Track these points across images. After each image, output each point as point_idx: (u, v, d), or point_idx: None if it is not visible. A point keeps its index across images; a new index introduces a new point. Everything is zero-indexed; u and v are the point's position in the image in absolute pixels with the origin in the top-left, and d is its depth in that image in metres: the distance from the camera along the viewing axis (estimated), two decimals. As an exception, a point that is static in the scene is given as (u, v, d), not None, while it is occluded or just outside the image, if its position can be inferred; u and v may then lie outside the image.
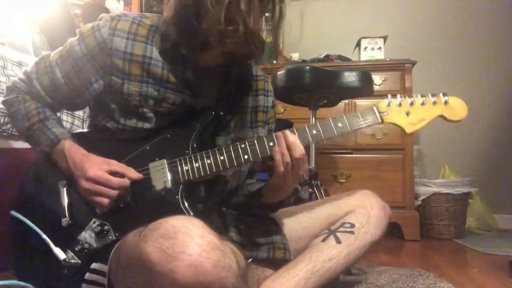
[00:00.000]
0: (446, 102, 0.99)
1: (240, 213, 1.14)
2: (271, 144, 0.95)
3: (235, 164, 0.95)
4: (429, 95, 1.00)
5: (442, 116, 1.00)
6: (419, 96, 1.00)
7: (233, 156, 0.94)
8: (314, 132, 0.97)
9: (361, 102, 2.55)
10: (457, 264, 1.85)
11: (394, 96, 1.01)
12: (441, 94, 1.00)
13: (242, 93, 1.09)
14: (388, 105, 1.00)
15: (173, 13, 0.92)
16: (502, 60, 3.02)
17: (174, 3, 0.92)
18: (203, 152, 0.95)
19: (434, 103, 0.99)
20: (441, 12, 3.11)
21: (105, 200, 0.89)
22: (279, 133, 0.94)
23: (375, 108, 1.00)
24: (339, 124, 0.98)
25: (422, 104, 0.99)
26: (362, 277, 1.45)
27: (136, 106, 0.96)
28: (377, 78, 2.54)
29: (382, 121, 0.99)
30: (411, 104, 0.99)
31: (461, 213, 2.50)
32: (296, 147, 0.92)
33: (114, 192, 0.90)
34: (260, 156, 0.95)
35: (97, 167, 0.90)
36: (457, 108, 1.00)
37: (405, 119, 0.99)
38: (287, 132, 0.94)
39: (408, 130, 1.00)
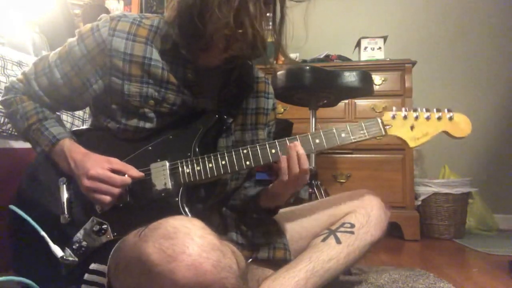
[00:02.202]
0: (450, 118, 1.00)
1: (237, 215, 1.14)
2: (273, 151, 0.95)
3: (237, 169, 0.95)
4: (434, 110, 1.00)
5: (446, 132, 1.01)
6: (424, 110, 1.00)
7: (234, 161, 0.95)
8: (317, 141, 0.97)
9: (361, 102, 2.55)
10: (457, 264, 1.85)
11: (398, 108, 1.01)
12: (446, 110, 1.00)
13: (243, 95, 1.09)
14: (393, 117, 1.00)
15: (175, 14, 0.92)
16: (502, 60, 3.01)
17: (176, 4, 0.91)
18: (205, 156, 0.95)
19: (439, 118, 1.00)
20: (441, 12, 3.11)
21: (107, 198, 0.89)
22: (290, 144, 0.94)
23: (379, 120, 1.00)
24: (342, 135, 0.98)
25: (427, 119, 0.99)
26: (362, 277, 1.45)
27: (136, 106, 0.96)
28: (377, 78, 2.53)
29: (386, 134, 0.99)
30: (416, 118, 0.99)
31: (461, 213, 2.50)
32: (304, 159, 0.93)
33: (116, 190, 0.90)
34: (262, 163, 0.95)
35: (99, 165, 0.90)
36: (461, 125, 1.01)
37: (409, 133, 0.99)
38: (298, 144, 0.94)
39: (412, 144, 0.99)
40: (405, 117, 1.00)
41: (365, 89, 1.86)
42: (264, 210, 1.10)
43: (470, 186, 2.52)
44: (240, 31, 0.86)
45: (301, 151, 0.93)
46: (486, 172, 2.95)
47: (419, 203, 2.53)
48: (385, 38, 2.71)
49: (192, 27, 0.89)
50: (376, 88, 2.42)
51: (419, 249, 2.25)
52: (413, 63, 2.55)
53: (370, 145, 2.51)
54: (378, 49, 2.69)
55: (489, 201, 2.74)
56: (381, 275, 1.47)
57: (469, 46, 3.06)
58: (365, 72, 1.88)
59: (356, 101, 2.55)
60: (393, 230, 2.42)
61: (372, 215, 1.06)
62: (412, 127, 0.99)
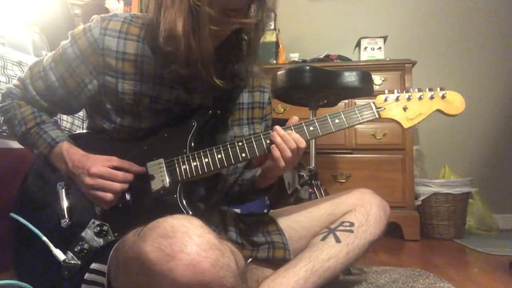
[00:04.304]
0: (443, 97, 0.99)
1: (234, 202, 1.15)
2: (268, 141, 0.96)
3: (233, 162, 0.95)
4: (427, 89, 1.00)
5: (439, 111, 1.00)
6: (416, 90, 1.00)
7: (230, 154, 0.95)
8: (311, 128, 0.97)
9: (361, 102, 2.53)
10: (457, 264, 1.85)
11: (391, 91, 1.01)
12: (438, 89, 1.00)
13: (238, 89, 1.09)
14: (385, 100, 1.00)
15: (152, 16, 0.92)
16: (502, 60, 3.02)
17: (152, 8, 0.91)
18: (201, 150, 0.95)
19: (432, 97, 0.99)
20: (441, 12, 3.11)
21: (109, 195, 0.89)
22: (272, 133, 0.95)
23: (372, 104, 1.00)
24: (336, 121, 0.98)
25: (420, 98, 1.00)
26: (362, 277, 1.44)
27: (131, 105, 0.96)
28: (377, 78, 2.54)
29: (379, 117, 1.00)
30: (408, 99, 1.00)
31: (461, 213, 2.50)
32: (289, 139, 0.94)
33: (118, 185, 0.90)
34: (257, 154, 0.96)
35: (99, 163, 0.91)
36: (454, 102, 1.00)
37: (402, 114, 1.00)
38: (276, 127, 0.96)
39: (406, 125, 1.00)
40: (397, 99, 1.00)
41: (365, 89, 1.86)
42: (262, 190, 1.11)
43: (470, 186, 2.52)
44: (169, 48, 0.87)
45: (282, 132, 0.94)
46: (486, 172, 2.95)
47: (419, 203, 2.52)
48: (385, 38, 2.72)
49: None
50: (376, 88, 2.43)
51: (419, 249, 2.25)
52: (413, 63, 2.55)
53: (370, 145, 2.51)
54: (378, 49, 2.69)
55: (489, 201, 2.74)
56: (381, 275, 1.47)
57: (469, 46, 3.06)
58: (365, 72, 1.88)
59: (356, 101, 2.55)
60: (393, 230, 2.41)
61: (371, 214, 1.06)
62: (405, 108, 1.00)
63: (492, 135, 2.99)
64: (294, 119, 1.00)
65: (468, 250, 2.17)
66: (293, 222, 1.15)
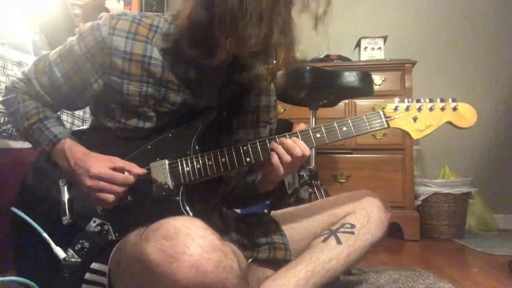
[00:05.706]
0: (455, 108, 0.97)
1: (234, 206, 1.15)
2: None
3: (237, 166, 0.95)
4: (438, 100, 0.97)
5: (450, 123, 0.97)
6: (427, 101, 0.97)
7: (234, 158, 0.94)
8: (318, 135, 0.96)
9: (361, 102, 2.55)
10: (457, 264, 1.85)
11: (401, 100, 0.98)
12: (450, 100, 0.97)
13: (244, 93, 1.09)
14: (395, 109, 0.97)
15: (187, 23, 0.88)
16: (502, 60, 3.01)
17: (188, 13, 0.87)
18: (205, 153, 0.95)
19: (443, 109, 0.96)
20: (441, 12, 3.11)
21: (110, 197, 0.88)
22: (273, 142, 0.95)
23: (381, 112, 0.97)
24: (344, 128, 0.96)
25: (430, 109, 0.96)
26: (362, 277, 1.45)
27: (136, 106, 0.95)
28: (377, 78, 2.54)
29: (388, 126, 0.97)
30: (419, 109, 0.96)
31: (461, 213, 2.50)
32: (293, 147, 0.93)
33: (119, 188, 0.89)
34: (262, 159, 0.95)
35: (100, 164, 0.90)
36: (466, 115, 0.97)
37: (412, 125, 0.97)
38: (281, 139, 0.95)
39: (415, 136, 0.97)
40: (407, 108, 0.97)
41: (365, 89, 1.86)
42: (262, 195, 1.11)
43: (470, 186, 2.52)
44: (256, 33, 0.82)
45: (286, 141, 0.93)
46: (486, 172, 2.95)
47: (419, 203, 2.53)
48: (385, 38, 2.72)
49: (201, 37, 0.87)
50: (376, 88, 2.42)
51: (419, 249, 2.25)
52: (413, 63, 2.55)
53: (370, 145, 2.51)
54: (378, 49, 2.69)
55: (489, 201, 2.74)
56: (381, 275, 1.47)
57: (469, 46, 3.06)
58: (365, 72, 1.88)
59: (356, 101, 2.55)
60: (393, 230, 2.41)
61: (372, 216, 1.06)
62: (415, 119, 0.96)
63: (492, 135, 2.99)
64: (301, 126, 0.99)
65: (468, 250, 2.17)
66: (294, 223, 1.15)
